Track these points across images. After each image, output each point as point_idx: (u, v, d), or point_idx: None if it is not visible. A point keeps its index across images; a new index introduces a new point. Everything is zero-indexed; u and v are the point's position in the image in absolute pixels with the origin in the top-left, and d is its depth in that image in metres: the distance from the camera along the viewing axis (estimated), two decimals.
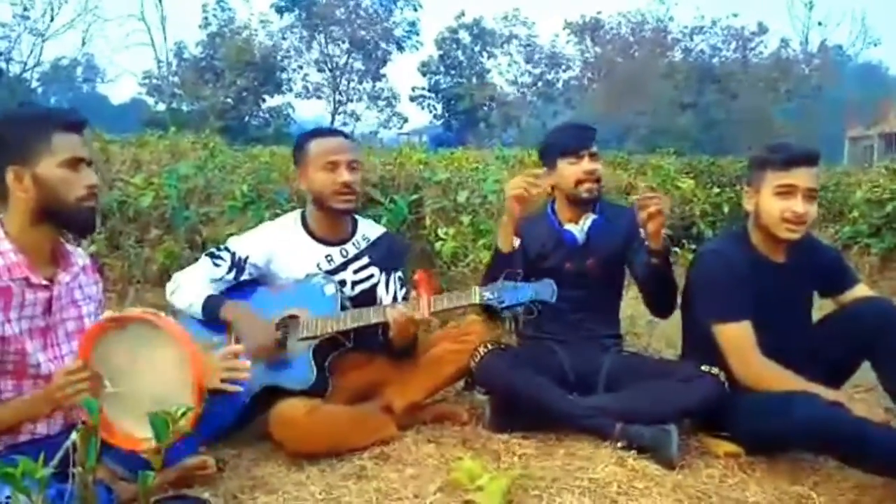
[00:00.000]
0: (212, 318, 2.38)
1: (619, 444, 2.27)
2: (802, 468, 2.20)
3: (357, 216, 2.72)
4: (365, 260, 2.60)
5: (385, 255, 2.64)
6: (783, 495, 2.05)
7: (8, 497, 1.34)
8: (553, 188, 2.70)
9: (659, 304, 2.58)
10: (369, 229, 2.69)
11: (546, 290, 2.32)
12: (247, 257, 2.51)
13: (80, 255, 1.97)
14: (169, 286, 2.53)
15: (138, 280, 4.13)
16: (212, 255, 2.53)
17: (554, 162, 2.67)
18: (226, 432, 2.26)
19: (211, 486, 2.04)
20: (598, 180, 2.63)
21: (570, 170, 2.64)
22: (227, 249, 2.53)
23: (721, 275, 2.32)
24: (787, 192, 2.26)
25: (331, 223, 2.59)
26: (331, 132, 2.69)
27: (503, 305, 2.32)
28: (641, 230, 2.34)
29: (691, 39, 36.42)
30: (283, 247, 2.54)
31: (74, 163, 1.79)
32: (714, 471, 2.18)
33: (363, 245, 2.62)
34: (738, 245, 2.39)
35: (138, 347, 1.75)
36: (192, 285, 2.46)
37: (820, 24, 38.75)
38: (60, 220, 1.83)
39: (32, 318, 1.79)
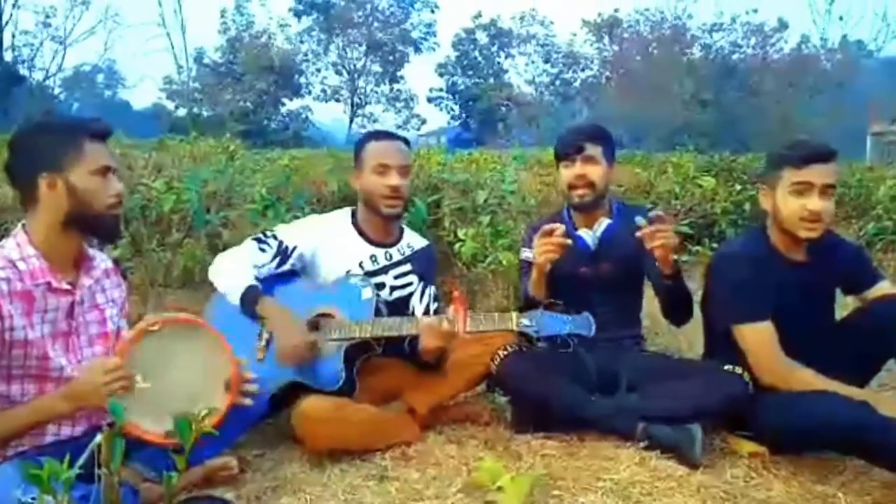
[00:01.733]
0: (248, 310, 2.38)
1: (641, 445, 2.26)
2: (828, 467, 2.17)
3: (403, 226, 2.74)
4: (407, 267, 2.62)
5: (426, 266, 2.67)
6: (808, 495, 2.03)
7: (34, 497, 1.36)
8: None
9: (673, 315, 2.60)
10: (414, 239, 2.72)
11: (584, 325, 2.30)
12: (294, 247, 2.52)
13: (102, 259, 1.99)
14: (212, 267, 2.53)
15: (160, 283, 4.16)
16: (258, 240, 2.53)
17: (558, 167, 2.68)
18: (249, 428, 2.27)
19: (234, 487, 2.05)
20: (590, 185, 2.57)
21: (563, 174, 2.63)
22: (274, 237, 2.54)
23: (740, 275, 2.30)
24: (803, 189, 2.23)
25: (379, 225, 2.61)
26: (387, 136, 2.69)
27: (539, 335, 2.31)
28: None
29: (710, 36, 36.06)
30: (331, 240, 2.56)
31: (104, 171, 1.83)
32: (738, 470, 2.16)
33: (407, 252, 2.64)
34: (757, 244, 2.37)
35: (170, 348, 1.82)
36: (235, 269, 2.45)
37: (841, 18, 38.37)
38: (89, 226, 1.86)
39: (55, 322, 1.81)
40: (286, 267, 2.53)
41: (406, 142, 2.68)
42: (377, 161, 2.54)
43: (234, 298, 2.40)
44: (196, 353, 1.85)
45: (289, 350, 2.31)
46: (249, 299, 2.38)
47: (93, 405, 1.73)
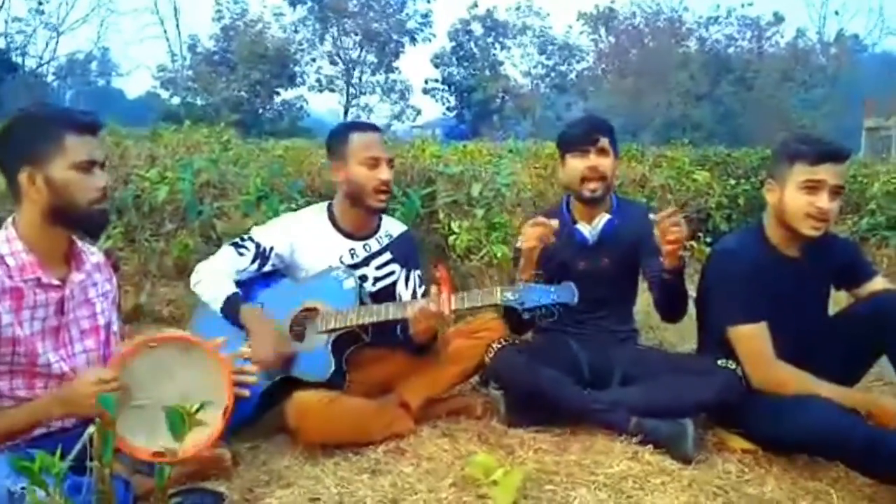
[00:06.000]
0: (230, 319, 2.35)
1: (634, 439, 2.26)
2: (820, 464, 2.17)
3: (381, 214, 2.70)
4: (387, 256, 2.60)
5: (406, 252, 2.65)
6: (801, 491, 2.04)
7: (23, 487, 1.35)
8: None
9: (668, 313, 2.53)
10: (392, 226, 2.70)
11: (567, 293, 2.28)
12: (271, 248, 2.51)
13: (92, 253, 1.97)
14: (193, 276, 2.51)
15: (153, 274, 4.14)
16: (236, 245, 2.52)
17: (563, 157, 2.62)
18: (242, 424, 2.26)
19: (227, 480, 2.05)
20: (603, 178, 2.53)
21: (574, 165, 2.56)
22: (251, 239, 2.53)
23: (736, 275, 2.28)
24: (813, 187, 2.19)
25: (359, 218, 2.58)
26: (370, 127, 2.65)
27: (524, 307, 2.30)
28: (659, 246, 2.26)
29: (706, 29, 36.16)
30: (307, 238, 2.54)
31: (87, 165, 1.77)
32: (731, 466, 2.17)
33: (386, 241, 2.62)
34: (754, 241, 2.35)
35: (166, 364, 1.77)
36: (216, 277, 2.44)
37: (837, 13, 38.48)
38: (72, 221, 1.81)
39: (45, 318, 1.79)
40: (267, 268, 2.52)
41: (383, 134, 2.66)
42: (367, 153, 2.50)
43: (216, 307, 2.38)
44: (192, 372, 1.80)
45: (269, 359, 2.25)
46: (230, 309, 2.36)
47: (82, 413, 1.69)
